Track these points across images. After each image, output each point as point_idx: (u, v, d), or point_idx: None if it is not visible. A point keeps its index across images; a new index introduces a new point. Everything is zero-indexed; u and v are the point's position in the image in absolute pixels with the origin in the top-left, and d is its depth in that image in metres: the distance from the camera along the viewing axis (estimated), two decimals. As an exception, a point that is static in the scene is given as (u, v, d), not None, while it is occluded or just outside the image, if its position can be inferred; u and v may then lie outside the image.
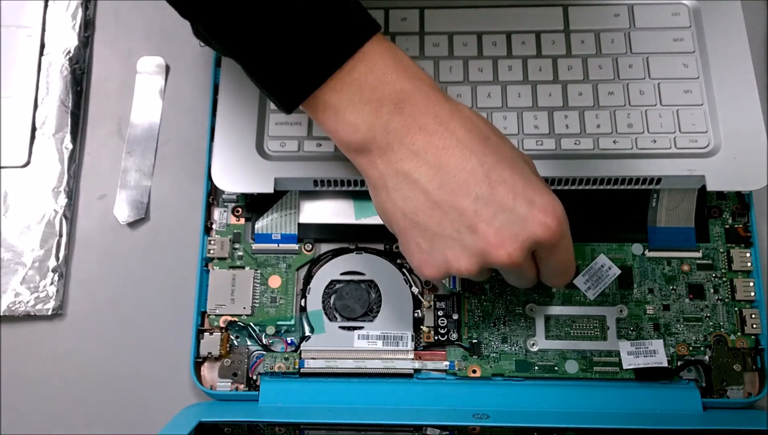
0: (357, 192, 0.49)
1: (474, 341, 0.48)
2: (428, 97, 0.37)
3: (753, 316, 0.47)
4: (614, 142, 0.47)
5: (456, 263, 0.38)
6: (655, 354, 0.47)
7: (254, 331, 0.48)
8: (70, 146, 0.53)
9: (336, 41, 0.36)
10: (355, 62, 0.37)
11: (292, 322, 0.48)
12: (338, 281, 0.49)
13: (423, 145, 0.37)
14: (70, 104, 0.53)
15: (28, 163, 0.52)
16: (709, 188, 0.46)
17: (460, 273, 0.38)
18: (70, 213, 0.52)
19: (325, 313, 0.48)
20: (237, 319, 0.48)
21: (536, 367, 0.47)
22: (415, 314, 0.48)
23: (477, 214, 0.36)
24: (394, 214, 0.39)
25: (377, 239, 0.50)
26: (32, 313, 0.50)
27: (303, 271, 0.49)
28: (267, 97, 0.41)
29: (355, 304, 0.48)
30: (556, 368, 0.47)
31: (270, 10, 0.35)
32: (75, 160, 0.53)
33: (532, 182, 0.37)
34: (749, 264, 0.48)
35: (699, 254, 0.49)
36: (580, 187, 0.48)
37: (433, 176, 0.37)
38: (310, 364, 0.47)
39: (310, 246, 0.50)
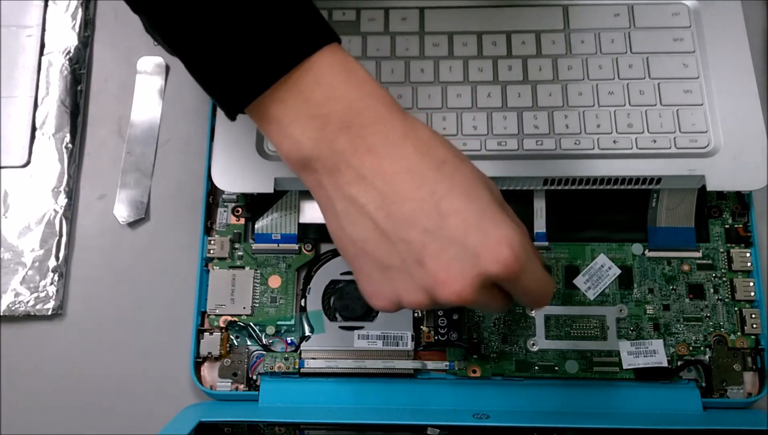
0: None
1: (474, 341, 0.48)
2: (380, 115, 0.34)
3: (753, 316, 0.47)
4: (614, 142, 0.47)
5: (406, 297, 0.35)
6: (655, 354, 0.47)
7: (254, 331, 0.48)
8: (70, 146, 0.53)
9: (283, 48, 0.34)
10: (302, 73, 0.34)
11: (292, 322, 0.48)
12: (338, 281, 0.49)
13: (371, 168, 0.34)
14: (70, 104, 0.53)
15: (28, 163, 0.52)
16: (709, 188, 0.46)
17: (411, 307, 0.35)
18: (70, 213, 0.52)
19: (325, 313, 0.48)
20: (237, 319, 0.48)
21: (536, 367, 0.47)
22: (415, 314, 0.48)
23: (425, 247, 0.33)
24: (343, 240, 0.36)
25: (377, 239, 0.49)
26: (32, 313, 0.50)
27: (303, 271, 0.49)
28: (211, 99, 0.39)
29: (355, 304, 0.48)
30: (556, 368, 0.47)
31: (216, 9, 0.34)
32: (75, 160, 0.53)
33: (488, 212, 0.34)
34: (749, 264, 0.48)
35: (699, 254, 0.49)
36: (580, 187, 0.48)
37: (380, 204, 0.34)
38: (310, 364, 0.47)
39: (310, 246, 0.50)
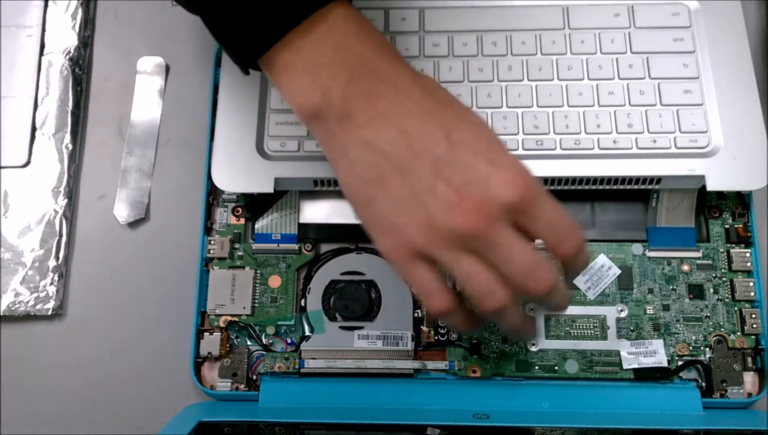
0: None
1: (474, 341, 0.48)
2: (389, 64, 0.36)
3: (753, 316, 0.47)
4: (614, 141, 0.47)
5: (418, 234, 0.35)
6: (655, 354, 0.47)
7: (254, 331, 0.48)
8: (70, 146, 0.53)
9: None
10: (314, 23, 0.35)
11: (292, 322, 0.48)
12: (338, 281, 0.49)
13: (382, 110, 0.35)
14: (70, 104, 0.53)
15: (28, 163, 0.52)
16: (709, 188, 0.46)
17: (424, 245, 0.35)
18: (70, 213, 0.52)
19: (325, 313, 0.48)
20: (237, 319, 0.48)
21: (536, 367, 0.47)
22: (415, 314, 0.48)
23: (436, 174, 0.34)
24: (357, 186, 0.36)
25: (377, 239, 0.50)
26: (32, 313, 0.50)
27: (303, 271, 0.49)
28: (226, 53, 0.40)
29: (355, 304, 0.48)
30: (556, 368, 0.47)
31: None
32: (75, 160, 0.53)
33: (495, 144, 0.35)
34: (749, 264, 0.48)
35: (699, 254, 0.49)
36: (580, 187, 0.48)
37: (392, 139, 0.35)
38: (310, 364, 0.47)
39: (310, 246, 0.50)
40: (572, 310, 0.48)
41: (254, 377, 0.48)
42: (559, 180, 0.47)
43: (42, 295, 0.50)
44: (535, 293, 0.35)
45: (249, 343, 0.48)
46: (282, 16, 0.35)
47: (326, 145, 0.37)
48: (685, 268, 0.48)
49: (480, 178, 0.34)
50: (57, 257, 0.51)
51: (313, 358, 0.47)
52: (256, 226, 0.50)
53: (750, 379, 0.47)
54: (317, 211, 0.50)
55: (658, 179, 0.47)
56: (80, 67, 0.55)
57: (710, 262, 0.49)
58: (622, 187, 0.48)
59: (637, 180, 0.47)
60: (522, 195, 0.34)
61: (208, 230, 0.50)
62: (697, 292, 0.48)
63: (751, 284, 0.48)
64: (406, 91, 0.36)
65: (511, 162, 0.35)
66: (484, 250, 0.35)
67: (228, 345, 0.48)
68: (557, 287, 0.36)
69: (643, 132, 0.47)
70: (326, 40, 0.36)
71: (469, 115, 0.36)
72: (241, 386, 0.47)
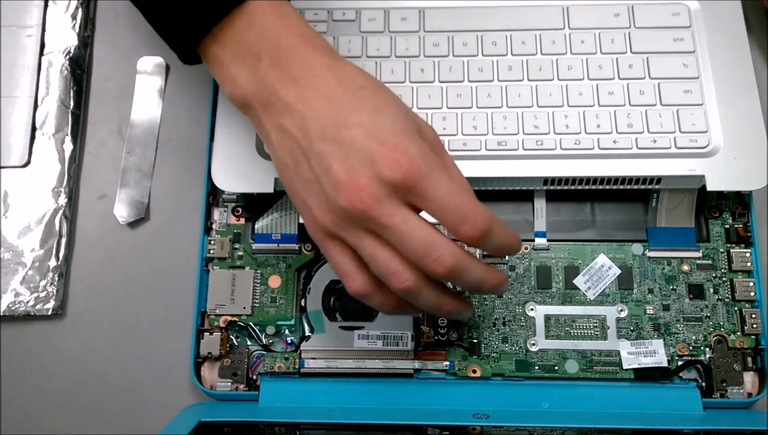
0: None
1: (474, 341, 0.48)
2: (307, 52, 0.38)
3: (753, 316, 0.47)
4: (614, 141, 0.47)
5: (321, 214, 0.37)
6: (655, 354, 0.47)
7: (254, 331, 0.48)
8: (70, 146, 0.53)
9: None
10: (236, 17, 0.38)
11: (292, 322, 0.48)
12: (338, 281, 0.49)
13: (295, 96, 0.37)
14: (70, 104, 0.53)
15: (28, 163, 0.52)
16: (709, 188, 0.46)
17: (326, 224, 0.37)
18: (70, 213, 0.52)
19: (325, 313, 0.48)
20: (237, 319, 0.48)
21: (536, 367, 0.47)
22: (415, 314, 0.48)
23: (332, 156, 0.36)
24: (281, 170, 0.39)
25: (377, 239, 0.50)
26: (32, 313, 0.50)
27: (303, 271, 0.49)
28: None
29: (355, 304, 0.48)
30: (556, 368, 0.47)
31: None
32: (75, 160, 0.53)
33: (390, 126, 0.36)
34: (749, 264, 0.48)
35: (699, 254, 0.49)
36: (580, 187, 0.48)
37: (300, 125, 0.37)
38: (310, 364, 0.47)
39: (310, 246, 0.50)
40: (572, 310, 0.48)
41: (254, 377, 0.48)
42: (559, 180, 0.47)
43: (42, 295, 0.50)
44: (437, 274, 0.36)
45: (249, 343, 0.48)
46: (207, 13, 0.38)
47: (258, 132, 0.40)
48: (685, 268, 0.48)
49: (368, 159, 0.35)
50: (57, 257, 0.51)
51: (313, 358, 0.47)
52: (256, 226, 0.50)
53: (750, 379, 0.47)
54: (317, 211, 0.50)
55: (658, 179, 0.47)
56: (80, 67, 0.55)
57: (710, 262, 0.49)
58: (622, 187, 0.48)
59: (637, 180, 0.47)
60: (405, 174, 0.35)
61: (208, 230, 0.50)
62: (697, 292, 0.48)
63: (751, 284, 0.48)
64: (319, 77, 0.37)
65: (400, 141, 0.35)
66: (379, 231, 0.36)
67: (228, 345, 0.48)
68: (466, 266, 0.36)
69: (643, 132, 0.47)
70: (246, 32, 0.38)
71: (381, 98, 0.38)
72: (241, 386, 0.47)
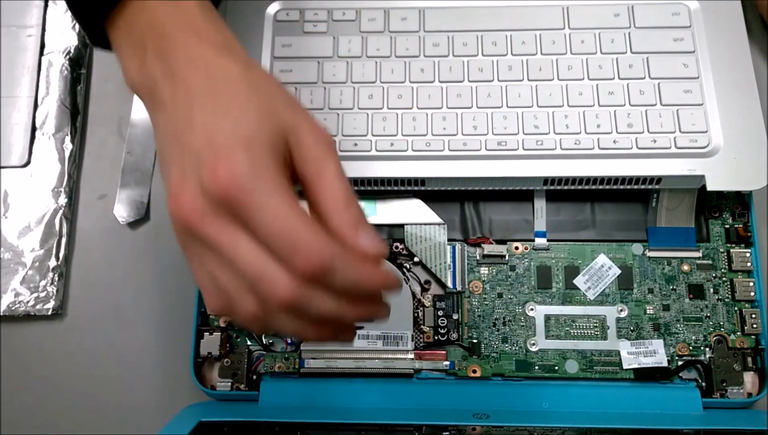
0: (357, 192, 0.49)
1: (474, 341, 0.48)
2: (192, 44, 0.35)
3: (753, 316, 0.47)
4: (614, 142, 0.47)
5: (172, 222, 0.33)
6: (655, 354, 0.47)
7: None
8: (70, 146, 0.53)
9: None
10: (129, 4, 0.36)
11: (292, 322, 0.48)
12: (338, 281, 0.49)
13: (169, 92, 0.34)
14: (70, 104, 0.53)
15: (28, 163, 0.52)
16: (709, 188, 0.46)
17: (178, 237, 0.33)
18: (70, 213, 0.52)
19: (325, 313, 0.48)
20: (237, 319, 0.48)
21: (536, 367, 0.47)
22: (415, 314, 0.48)
23: (174, 161, 0.33)
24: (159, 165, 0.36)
25: (377, 239, 0.50)
26: (32, 313, 0.50)
27: (303, 271, 0.49)
28: None
29: (355, 304, 0.48)
30: (556, 368, 0.47)
31: None
32: (75, 160, 0.53)
33: (235, 133, 0.31)
34: (749, 264, 0.48)
35: (699, 254, 0.49)
36: (580, 187, 0.48)
37: (166, 123, 0.34)
38: (310, 364, 0.47)
39: (310, 246, 0.50)
40: (572, 310, 0.48)
41: (254, 377, 0.48)
42: (559, 180, 0.47)
43: (42, 295, 0.50)
44: (273, 304, 0.31)
45: (249, 343, 0.48)
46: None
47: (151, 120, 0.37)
48: (685, 268, 0.48)
49: (197, 168, 0.31)
50: (57, 257, 0.51)
51: (313, 358, 0.47)
52: (256, 226, 0.50)
53: (750, 379, 0.47)
54: (317, 211, 0.50)
55: (658, 179, 0.47)
56: (80, 67, 0.55)
57: (710, 262, 0.49)
58: (622, 187, 0.48)
59: (637, 180, 0.47)
60: (224, 189, 0.30)
61: (208, 230, 0.50)
62: (697, 292, 0.48)
63: (751, 284, 0.48)
64: (192, 73, 0.34)
65: (231, 150, 0.31)
66: (210, 250, 0.32)
67: (228, 345, 0.48)
68: (307, 298, 0.31)
69: (643, 132, 0.47)
70: (136, 20, 0.36)
71: (228, 97, 0.33)
72: (241, 386, 0.47)
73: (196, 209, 0.31)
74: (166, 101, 0.34)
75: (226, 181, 0.30)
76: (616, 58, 0.49)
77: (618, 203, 0.50)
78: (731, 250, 0.49)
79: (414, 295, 0.48)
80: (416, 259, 0.49)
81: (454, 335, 0.48)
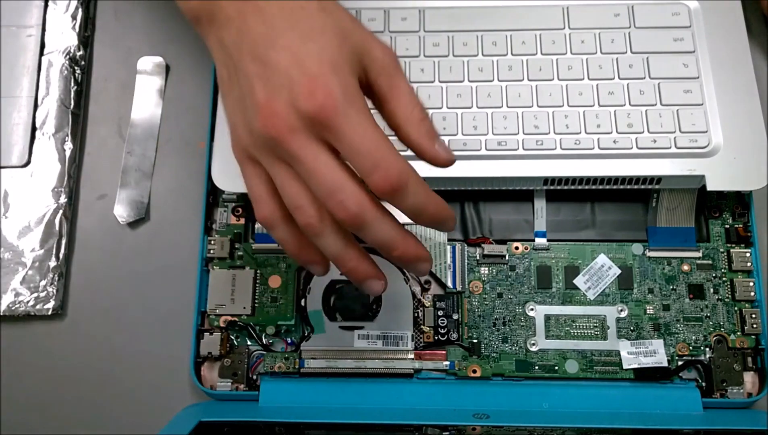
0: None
1: (474, 341, 0.48)
2: None
3: (753, 316, 0.47)
4: (614, 142, 0.47)
5: (244, 135, 0.35)
6: (655, 354, 0.47)
7: (254, 331, 0.48)
8: (70, 146, 0.53)
9: None
10: None
11: (292, 322, 0.48)
12: (338, 281, 0.49)
13: (236, 10, 0.35)
14: (70, 104, 0.53)
15: (28, 163, 0.52)
16: (709, 188, 0.46)
17: (246, 148, 0.36)
18: (70, 213, 0.52)
19: (325, 313, 0.48)
20: (237, 319, 0.48)
21: (536, 367, 0.47)
22: (415, 314, 0.48)
23: (256, 76, 0.34)
24: (219, 84, 0.37)
25: (377, 239, 0.50)
26: (32, 313, 0.50)
27: (303, 271, 0.49)
28: None
29: (355, 304, 0.48)
30: (556, 368, 0.47)
31: None
32: (75, 160, 0.53)
33: (321, 56, 0.34)
34: (749, 264, 0.48)
35: (699, 254, 0.49)
36: (580, 187, 0.48)
37: (236, 41, 0.35)
38: (310, 364, 0.47)
39: (310, 246, 0.50)
40: (572, 310, 0.48)
41: (254, 377, 0.48)
42: (559, 180, 0.47)
43: (42, 295, 0.50)
44: (339, 218, 0.34)
45: (249, 343, 0.48)
46: None
47: (209, 49, 0.38)
48: (685, 268, 0.48)
49: (287, 86, 0.33)
50: (57, 257, 0.51)
51: (313, 358, 0.47)
52: (256, 226, 0.50)
53: (750, 379, 0.47)
54: (317, 211, 0.50)
55: (658, 179, 0.47)
56: (80, 67, 0.55)
57: (710, 262, 0.49)
58: (622, 187, 0.48)
59: (637, 180, 0.47)
60: (319, 108, 0.33)
61: (208, 230, 0.50)
62: (697, 292, 0.48)
63: (751, 284, 0.48)
64: None
65: (322, 72, 0.33)
66: (291, 162, 0.34)
67: (228, 345, 0.48)
68: (372, 219, 0.34)
69: (643, 132, 0.47)
70: None
71: (312, 21, 0.35)
72: (241, 386, 0.47)
73: (287, 122, 0.33)
74: (233, 18, 0.35)
75: (322, 103, 0.33)
76: (616, 58, 0.49)
77: (618, 203, 0.50)
78: (731, 250, 0.49)
79: (414, 295, 0.48)
80: (416, 259, 0.49)
81: (454, 335, 0.48)
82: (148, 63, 0.55)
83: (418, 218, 0.35)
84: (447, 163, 0.37)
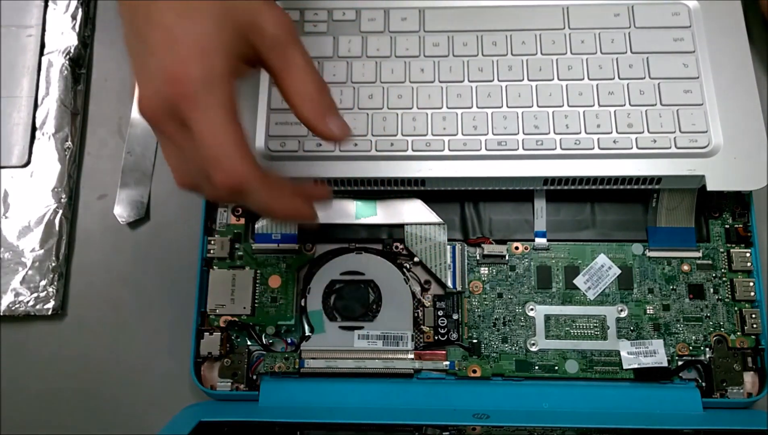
0: (357, 192, 0.49)
1: (474, 341, 0.48)
2: None
3: (753, 316, 0.47)
4: (614, 142, 0.47)
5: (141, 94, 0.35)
6: (655, 354, 0.47)
7: (254, 331, 0.48)
8: (70, 146, 0.53)
9: None
10: None
11: (292, 322, 0.48)
12: (338, 281, 0.49)
13: None
14: (70, 104, 0.53)
15: (28, 163, 0.52)
16: (709, 188, 0.46)
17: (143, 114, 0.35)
18: (70, 213, 0.52)
19: (325, 313, 0.48)
20: (237, 319, 0.48)
21: (536, 367, 0.47)
22: (415, 314, 0.48)
23: (137, 54, 0.34)
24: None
25: (377, 239, 0.50)
26: (32, 313, 0.50)
27: (303, 271, 0.49)
28: None
29: (355, 304, 0.48)
30: (556, 368, 0.47)
31: None
32: (75, 160, 0.53)
33: (193, 39, 0.33)
34: (749, 264, 0.48)
35: (699, 254, 0.49)
36: (580, 187, 0.48)
37: (125, 14, 0.35)
38: (310, 364, 0.47)
39: (310, 246, 0.50)
40: (572, 310, 0.48)
41: (254, 377, 0.48)
42: (559, 180, 0.47)
43: (42, 295, 0.50)
44: (215, 184, 0.34)
45: (249, 343, 0.48)
46: None
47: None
48: (685, 268, 0.48)
49: (157, 68, 0.33)
50: (57, 257, 0.51)
51: (313, 358, 0.47)
52: (256, 226, 0.50)
53: (750, 379, 0.47)
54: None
55: (658, 179, 0.47)
56: (80, 67, 0.55)
57: (710, 262, 0.49)
58: (622, 187, 0.48)
59: (637, 180, 0.47)
60: (175, 95, 0.33)
61: (208, 230, 0.50)
62: (697, 292, 0.48)
63: (751, 284, 0.48)
64: None
65: (187, 58, 0.33)
66: (171, 142, 0.35)
67: (228, 345, 0.48)
68: (250, 188, 0.34)
69: (643, 132, 0.47)
70: None
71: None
72: (241, 386, 0.47)
73: (153, 109, 0.33)
74: None
75: (179, 91, 0.32)
76: (616, 58, 0.49)
77: (618, 203, 0.50)
78: (731, 250, 0.49)
79: (414, 295, 0.48)
80: (416, 259, 0.49)
81: (454, 335, 0.48)
82: (148, 63, 0.55)
83: (268, 217, 0.36)
84: (338, 139, 0.37)
